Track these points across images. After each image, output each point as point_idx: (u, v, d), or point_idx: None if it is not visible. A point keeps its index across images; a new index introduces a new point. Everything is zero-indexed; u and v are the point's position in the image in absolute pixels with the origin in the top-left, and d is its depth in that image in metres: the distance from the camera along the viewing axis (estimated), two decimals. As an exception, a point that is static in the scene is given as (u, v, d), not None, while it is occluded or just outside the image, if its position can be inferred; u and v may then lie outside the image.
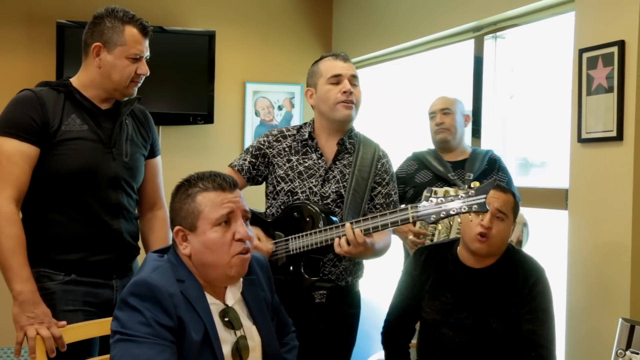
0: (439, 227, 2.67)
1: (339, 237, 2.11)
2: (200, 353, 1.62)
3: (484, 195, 1.97)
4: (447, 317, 2.22)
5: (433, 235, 2.76)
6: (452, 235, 2.71)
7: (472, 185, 2.01)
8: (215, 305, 1.70)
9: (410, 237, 2.77)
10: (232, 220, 1.67)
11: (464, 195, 1.99)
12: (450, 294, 2.23)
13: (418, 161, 3.04)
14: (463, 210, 1.99)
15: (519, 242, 2.72)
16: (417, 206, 2.05)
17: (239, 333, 1.71)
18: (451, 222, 2.69)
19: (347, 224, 2.09)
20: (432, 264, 2.30)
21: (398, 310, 2.36)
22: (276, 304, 1.92)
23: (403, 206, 2.12)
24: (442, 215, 2.02)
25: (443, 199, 2.02)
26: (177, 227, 1.68)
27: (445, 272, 2.26)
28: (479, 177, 2.90)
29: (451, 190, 2.04)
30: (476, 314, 2.20)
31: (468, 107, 3.28)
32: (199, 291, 1.67)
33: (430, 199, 2.04)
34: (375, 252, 2.24)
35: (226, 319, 1.69)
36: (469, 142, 3.25)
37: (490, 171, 2.94)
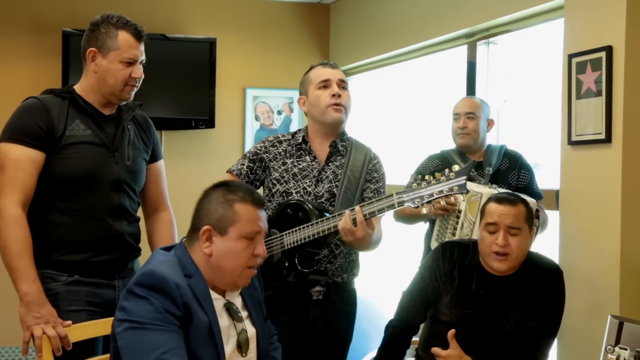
0: (463, 223, 2.63)
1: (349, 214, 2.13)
2: (204, 345, 1.69)
3: (464, 177, 2.02)
4: (465, 321, 2.18)
5: (455, 229, 2.69)
6: (475, 234, 2.60)
7: (452, 169, 2.06)
8: (218, 301, 1.78)
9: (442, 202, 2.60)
10: (257, 237, 1.76)
11: (445, 178, 2.05)
12: (474, 301, 2.19)
13: (443, 159, 2.96)
14: (444, 193, 2.04)
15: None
16: (401, 192, 2.11)
17: (239, 327, 1.79)
18: (474, 220, 2.60)
19: (357, 207, 2.14)
20: (460, 266, 2.23)
21: (414, 300, 2.29)
22: (264, 312, 1.99)
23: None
24: (425, 200, 2.07)
25: (426, 184, 2.08)
26: (207, 227, 1.73)
27: (470, 278, 2.21)
28: (498, 171, 2.86)
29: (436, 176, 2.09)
30: (494, 317, 2.17)
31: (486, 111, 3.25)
32: (205, 287, 1.74)
33: (414, 184, 2.10)
34: (373, 241, 2.29)
35: (229, 312, 1.78)
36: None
37: (512, 169, 2.89)
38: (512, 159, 2.92)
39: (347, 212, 2.16)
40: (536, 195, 2.85)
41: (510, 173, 2.89)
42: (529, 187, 2.87)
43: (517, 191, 2.73)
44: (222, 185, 1.78)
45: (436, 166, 2.95)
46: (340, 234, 2.18)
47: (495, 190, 2.57)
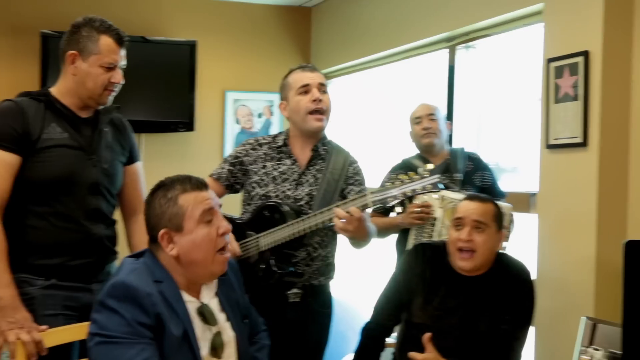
0: (442, 230, 2.65)
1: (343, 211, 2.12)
2: (180, 349, 1.67)
3: (437, 176, 2.06)
4: (436, 322, 2.18)
5: (430, 237, 2.70)
6: None
7: (426, 168, 2.08)
8: (191, 303, 1.76)
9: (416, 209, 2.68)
10: (214, 217, 1.76)
11: (419, 177, 2.07)
12: (444, 301, 2.19)
13: (406, 167, 2.94)
14: (418, 191, 2.07)
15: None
16: (376, 192, 2.12)
17: (214, 329, 1.77)
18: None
19: (336, 209, 2.14)
20: (432, 267, 2.24)
21: (389, 302, 2.30)
22: (246, 304, 1.97)
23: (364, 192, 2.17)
24: (399, 198, 2.09)
25: (400, 182, 2.10)
26: (163, 230, 1.73)
27: (441, 278, 2.21)
28: (465, 174, 2.89)
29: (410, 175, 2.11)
30: (465, 319, 2.17)
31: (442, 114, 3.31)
32: (176, 290, 1.73)
33: (387, 184, 2.12)
34: (370, 231, 2.27)
35: (203, 316, 1.76)
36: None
37: (476, 170, 2.93)
38: (475, 161, 2.99)
39: (335, 209, 2.15)
40: (499, 194, 2.90)
41: (474, 174, 2.94)
42: (493, 187, 2.94)
43: (481, 191, 2.78)
44: (158, 189, 1.78)
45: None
46: (340, 231, 2.17)
47: None
